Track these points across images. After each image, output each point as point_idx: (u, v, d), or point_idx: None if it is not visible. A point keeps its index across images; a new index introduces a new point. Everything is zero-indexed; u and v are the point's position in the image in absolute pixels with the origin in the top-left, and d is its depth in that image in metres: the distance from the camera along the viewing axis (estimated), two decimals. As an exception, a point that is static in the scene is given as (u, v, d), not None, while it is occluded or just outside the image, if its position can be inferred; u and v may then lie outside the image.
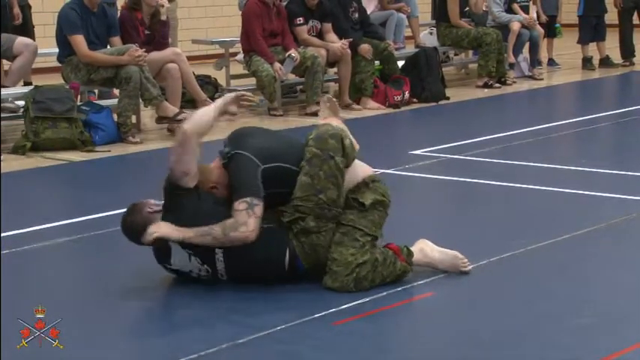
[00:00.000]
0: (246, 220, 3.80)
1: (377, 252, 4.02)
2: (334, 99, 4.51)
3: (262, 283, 4.00)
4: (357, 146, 4.17)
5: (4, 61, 8.44)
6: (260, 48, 8.80)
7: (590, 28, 12.23)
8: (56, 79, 8.42)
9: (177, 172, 3.88)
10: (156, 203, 4.01)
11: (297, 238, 3.94)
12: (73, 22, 7.79)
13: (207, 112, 4.02)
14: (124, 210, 4.09)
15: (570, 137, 7.95)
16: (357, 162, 4.14)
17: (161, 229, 3.86)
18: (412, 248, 4.16)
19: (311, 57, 8.93)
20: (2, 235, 4.87)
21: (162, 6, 8.17)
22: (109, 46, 8.00)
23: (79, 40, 7.75)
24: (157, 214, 3.96)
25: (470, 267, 4.17)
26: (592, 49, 12.38)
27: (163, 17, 8.25)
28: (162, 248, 3.95)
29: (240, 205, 3.83)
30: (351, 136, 4.14)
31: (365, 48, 9.33)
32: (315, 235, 3.94)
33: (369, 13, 10.31)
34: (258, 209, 3.83)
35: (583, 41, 12.34)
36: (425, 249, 4.18)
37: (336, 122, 4.32)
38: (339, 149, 3.97)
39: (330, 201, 3.94)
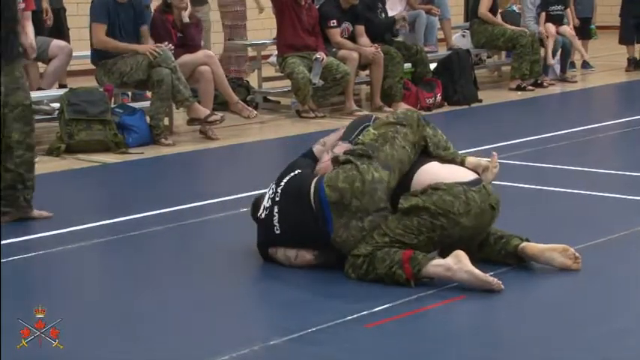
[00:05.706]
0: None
1: (382, 251, 4.01)
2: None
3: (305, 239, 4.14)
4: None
5: (40, 64, 8.52)
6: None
7: (630, 28, 12.11)
8: (90, 82, 8.48)
9: (324, 140, 4.57)
10: None
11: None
12: (99, 11, 7.85)
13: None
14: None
15: (605, 140, 7.88)
16: (458, 166, 4.32)
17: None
18: (440, 261, 3.99)
19: (343, 71, 8.91)
20: (36, 236, 4.96)
21: (184, 9, 8.18)
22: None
23: (99, 28, 7.81)
24: None
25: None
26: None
27: (185, 19, 8.26)
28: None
29: None
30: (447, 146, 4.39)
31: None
32: (340, 169, 4.15)
33: (397, 13, 10.28)
34: (339, 148, 4.33)
35: (622, 41, 12.26)
36: (452, 267, 3.93)
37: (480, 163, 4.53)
38: (405, 117, 4.27)
39: (359, 142, 4.22)
